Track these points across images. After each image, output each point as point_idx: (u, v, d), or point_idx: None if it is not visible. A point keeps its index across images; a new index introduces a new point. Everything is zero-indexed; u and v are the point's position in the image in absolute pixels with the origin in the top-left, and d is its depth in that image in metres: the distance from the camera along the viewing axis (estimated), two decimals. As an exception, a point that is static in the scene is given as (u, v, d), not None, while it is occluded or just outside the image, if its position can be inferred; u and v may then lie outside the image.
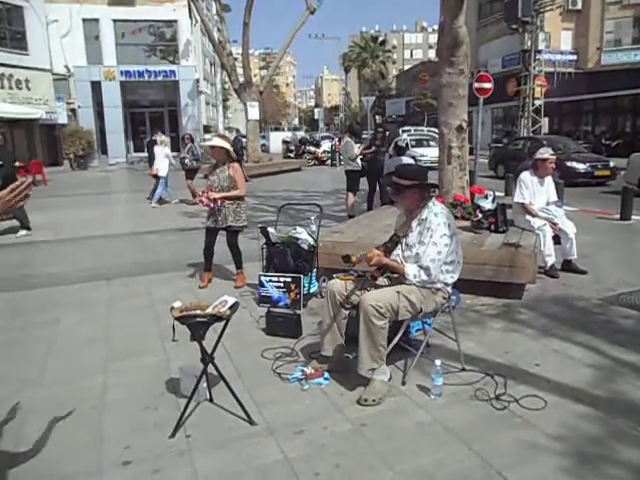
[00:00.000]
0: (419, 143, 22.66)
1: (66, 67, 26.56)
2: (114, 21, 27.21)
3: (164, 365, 3.74)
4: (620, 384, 3.31)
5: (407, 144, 22.43)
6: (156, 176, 12.43)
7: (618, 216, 9.06)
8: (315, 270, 5.16)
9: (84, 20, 26.64)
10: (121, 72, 27.51)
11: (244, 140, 23.20)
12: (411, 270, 3.28)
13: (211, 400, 3.21)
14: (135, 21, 27.62)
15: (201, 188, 5.60)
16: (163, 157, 12.46)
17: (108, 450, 2.76)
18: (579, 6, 29.18)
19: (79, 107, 27.24)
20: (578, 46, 30.04)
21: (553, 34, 28.86)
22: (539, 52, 24.86)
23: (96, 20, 26.85)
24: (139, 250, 7.78)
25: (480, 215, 5.75)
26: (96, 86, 27.15)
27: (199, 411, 3.10)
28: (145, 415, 3.10)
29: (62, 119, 25.99)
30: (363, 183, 9.72)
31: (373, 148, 9.35)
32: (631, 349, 3.80)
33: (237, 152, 18.04)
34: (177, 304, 3.03)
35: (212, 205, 5.33)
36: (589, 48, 29.48)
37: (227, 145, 5.38)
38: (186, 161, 12.03)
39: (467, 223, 5.94)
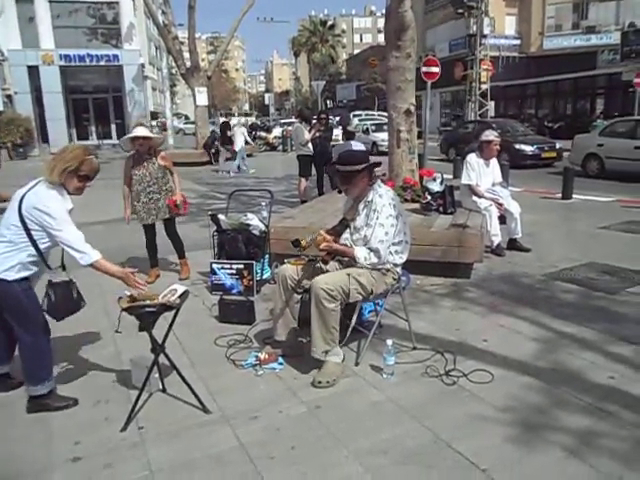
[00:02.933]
0: (379, 128, 22.65)
1: (-1, 51, 25.11)
2: (49, 2, 25.85)
3: (115, 357, 3.65)
4: (562, 355, 3.48)
5: (367, 129, 22.52)
6: (235, 150, 16.20)
7: (560, 195, 9.45)
8: (267, 256, 5.14)
9: (17, 0, 25.20)
10: (60, 56, 26.16)
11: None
12: (361, 253, 3.31)
13: (164, 390, 3.16)
14: (73, 2, 26.35)
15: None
16: (240, 135, 16.42)
17: (58, 447, 2.68)
18: (521, -9, 29.92)
19: (15, 93, 25.77)
20: (521, 31, 30.84)
21: (497, 19, 29.42)
22: (484, 37, 25.41)
23: (30, 0, 25.44)
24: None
25: (429, 197, 5.86)
26: (33, 71, 25.74)
27: (152, 402, 3.05)
28: (96, 409, 3.02)
29: (-3, 106, 24.64)
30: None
31: (317, 134, 9.33)
32: (572, 321, 3.99)
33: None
34: (125, 294, 2.96)
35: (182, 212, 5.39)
36: (532, 33, 30.29)
37: (151, 134, 5.17)
38: None
39: (416, 205, 6.04)
